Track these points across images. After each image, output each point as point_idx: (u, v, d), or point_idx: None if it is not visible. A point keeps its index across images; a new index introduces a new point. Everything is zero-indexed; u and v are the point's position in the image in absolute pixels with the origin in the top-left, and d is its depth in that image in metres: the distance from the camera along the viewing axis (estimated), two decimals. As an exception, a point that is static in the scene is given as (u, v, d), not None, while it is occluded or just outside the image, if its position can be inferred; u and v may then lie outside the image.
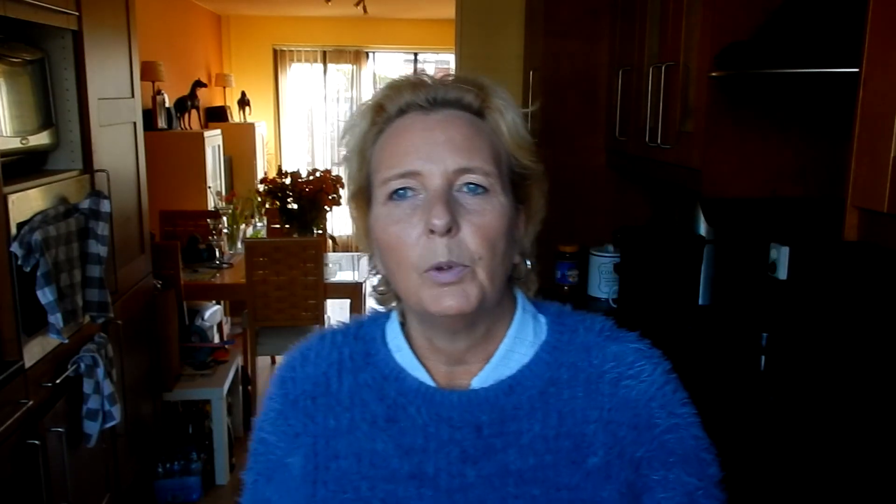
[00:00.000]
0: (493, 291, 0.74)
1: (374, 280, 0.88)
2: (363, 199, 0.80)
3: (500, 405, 0.77)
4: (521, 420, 0.77)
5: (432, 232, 0.70)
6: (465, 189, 0.73)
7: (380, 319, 0.87)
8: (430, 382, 0.80)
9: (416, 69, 7.80)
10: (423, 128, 0.74)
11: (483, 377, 0.79)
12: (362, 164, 0.79)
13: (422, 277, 0.72)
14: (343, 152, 0.81)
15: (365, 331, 0.86)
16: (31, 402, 1.99)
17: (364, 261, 0.85)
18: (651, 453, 0.77)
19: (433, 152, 0.73)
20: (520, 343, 0.80)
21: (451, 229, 0.70)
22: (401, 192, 0.74)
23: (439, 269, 0.71)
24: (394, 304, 0.85)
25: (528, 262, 0.83)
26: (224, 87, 7.01)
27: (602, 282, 2.56)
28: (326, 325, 0.94)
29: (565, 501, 0.75)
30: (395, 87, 0.77)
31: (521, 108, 0.80)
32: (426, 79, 0.77)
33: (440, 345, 0.79)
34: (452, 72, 0.82)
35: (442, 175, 0.72)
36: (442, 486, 0.76)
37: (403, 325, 0.83)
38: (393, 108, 0.77)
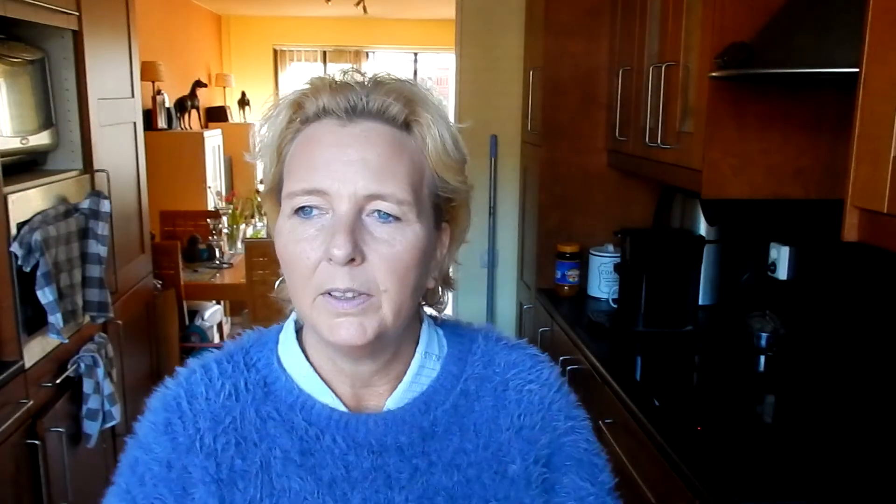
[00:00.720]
0: (396, 324, 0.69)
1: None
2: (275, 199, 0.74)
3: (417, 424, 0.74)
4: (440, 437, 0.75)
5: (331, 260, 0.66)
6: (375, 215, 0.67)
7: (267, 343, 0.79)
8: (341, 407, 0.74)
9: (415, 69, 7.80)
10: (337, 142, 0.67)
11: (397, 397, 0.75)
12: (276, 161, 0.72)
13: (318, 301, 0.68)
14: (258, 142, 0.74)
15: (254, 357, 0.78)
16: (31, 402, 1.99)
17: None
18: (553, 455, 0.77)
19: (344, 173, 0.66)
20: (429, 358, 0.77)
21: (353, 259, 0.65)
22: (307, 209, 0.68)
23: (336, 295, 0.66)
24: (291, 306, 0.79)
25: (441, 288, 0.79)
26: (224, 87, 7.01)
27: (602, 282, 2.56)
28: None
29: None
30: (314, 87, 0.70)
31: (454, 124, 0.73)
32: (350, 81, 0.69)
33: (344, 367, 0.74)
34: (387, 74, 0.72)
35: (350, 198, 0.66)
36: None
37: (299, 340, 0.77)
38: (310, 109, 0.70)
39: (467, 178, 0.75)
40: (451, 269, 0.79)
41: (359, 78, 0.70)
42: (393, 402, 0.75)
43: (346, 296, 0.66)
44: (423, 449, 0.74)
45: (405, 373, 0.76)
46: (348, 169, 0.66)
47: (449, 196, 0.73)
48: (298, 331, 0.79)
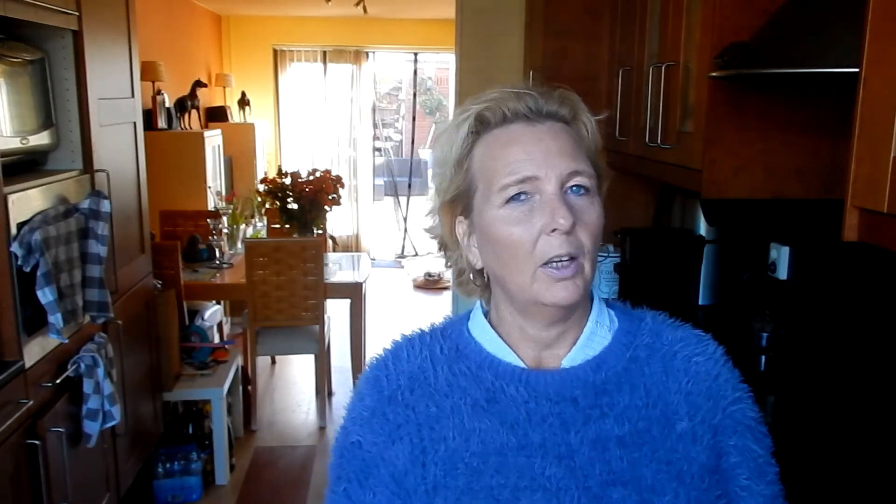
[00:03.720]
0: (591, 281, 0.85)
1: (448, 273, 0.94)
2: (460, 204, 0.88)
3: (590, 381, 0.86)
4: (611, 393, 0.86)
5: (554, 230, 0.80)
6: (570, 192, 0.82)
7: (461, 321, 0.95)
8: (522, 365, 0.88)
9: (415, 69, 7.80)
10: (534, 138, 0.83)
11: (572, 357, 0.88)
12: (459, 171, 0.87)
13: (538, 272, 0.82)
14: (432, 160, 0.90)
15: (450, 330, 0.94)
16: (31, 402, 1.99)
17: (447, 266, 1.00)
18: (723, 422, 0.87)
19: (547, 159, 0.82)
20: (600, 327, 0.90)
21: (574, 225, 0.80)
22: (520, 196, 0.82)
23: (555, 266, 0.81)
24: (476, 295, 0.94)
25: None
26: (224, 87, 7.01)
27: (602, 282, 2.56)
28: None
29: (664, 461, 0.84)
30: (497, 99, 0.85)
31: (597, 116, 0.90)
32: (526, 90, 0.85)
33: (532, 333, 0.88)
34: (532, 83, 0.92)
35: (557, 179, 0.81)
36: (550, 452, 0.83)
37: (487, 317, 0.92)
38: (495, 117, 0.85)
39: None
40: None
41: (525, 87, 0.87)
42: (568, 360, 0.88)
43: (563, 262, 0.81)
44: (596, 402, 0.86)
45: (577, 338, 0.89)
46: (548, 156, 0.82)
47: (603, 175, 0.89)
48: (485, 314, 0.93)
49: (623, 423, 0.85)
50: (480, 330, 0.92)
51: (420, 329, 0.97)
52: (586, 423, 0.84)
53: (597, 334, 0.90)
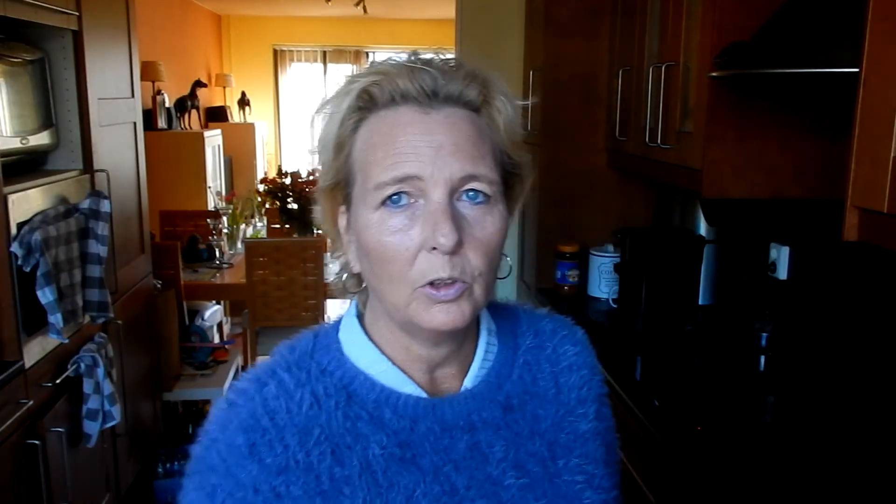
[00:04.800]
0: (484, 304, 0.71)
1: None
2: (340, 194, 0.72)
3: (495, 399, 0.77)
4: (516, 409, 0.78)
5: (434, 248, 0.65)
6: (465, 197, 0.67)
7: (330, 346, 0.76)
8: (423, 395, 0.74)
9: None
10: (424, 128, 0.66)
11: (472, 375, 0.77)
12: (339, 155, 0.71)
13: (416, 292, 0.67)
14: (315, 139, 0.73)
15: (323, 361, 0.75)
16: (31, 402, 1.99)
17: (332, 259, 0.80)
18: (600, 408, 0.85)
19: (437, 157, 0.65)
20: (491, 335, 0.81)
21: (459, 245, 0.65)
22: (395, 197, 0.66)
23: (436, 285, 0.66)
24: (354, 293, 0.78)
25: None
26: (224, 87, 7.01)
27: (602, 282, 2.56)
28: (254, 366, 0.85)
29: (578, 470, 0.79)
30: (386, 73, 0.68)
31: (520, 101, 0.75)
32: (425, 65, 0.68)
33: (421, 352, 0.74)
34: (450, 56, 0.72)
35: (446, 183, 0.65)
36: (477, 493, 0.73)
37: (363, 326, 0.77)
38: (383, 95, 0.68)
39: (526, 150, 0.77)
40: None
41: (427, 58, 0.70)
42: (469, 380, 0.77)
43: (445, 283, 0.66)
44: (506, 421, 0.77)
45: (473, 352, 0.78)
46: (439, 153, 0.66)
47: (516, 172, 0.75)
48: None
49: (535, 438, 0.78)
50: (363, 355, 0.75)
51: (279, 359, 0.75)
52: (505, 448, 0.75)
53: (490, 343, 0.80)
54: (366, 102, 0.69)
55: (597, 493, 0.79)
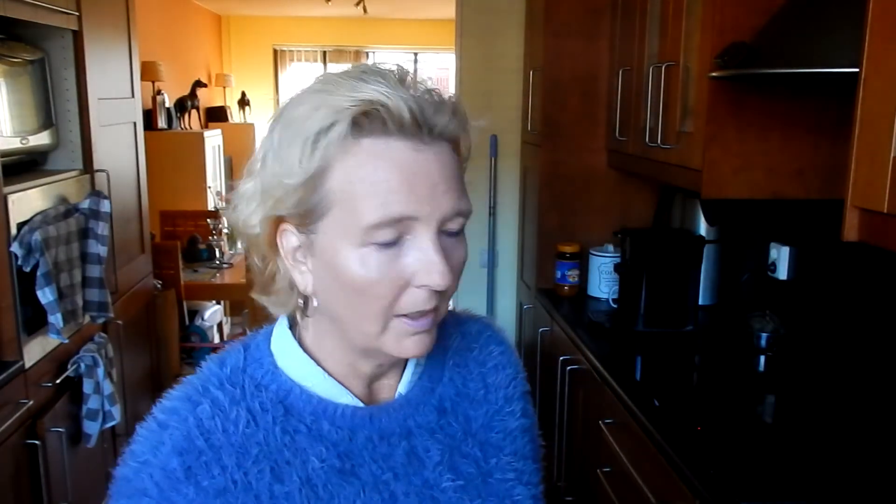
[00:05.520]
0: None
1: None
2: (298, 218, 0.67)
3: (429, 402, 0.79)
4: (450, 412, 0.80)
5: (424, 285, 0.65)
6: (450, 229, 0.67)
7: (263, 359, 0.74)
8: (360, 404, 0.74)
9: (415, 69, 7.79)
10: (419, 166, 0.64)
11: (406, 381, 0.78)
12: (309, 186, 0.64)
13: (392, 323, 0.66)
14: (271, 142, 0.68)
15: (257, 376, 0.72)
16: (31, 402, 1.99)
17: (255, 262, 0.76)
18: (525, 405, 0.87)
19: (433, 196, 0.64)
20: None
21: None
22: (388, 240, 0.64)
23: (412, 316, 0.66)
24: (286, 312, 0.75)
25: None
26: (224, 87, 7.01)
27: (602, 282, 2.56)
28: (181, 384, 0.78)
29: (509, 468, 0.81)
30: (376, 100, 0.63)
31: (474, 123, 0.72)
32: (413, 92, 0.65)
33: (367, 370, 0.73)
34: (433, 86, 0.69)
35: (438, 221, 0.64)
36: (416, 500, 0.74)
37: (296, 339, 0.75)
38: (372, 124, 0.63)
39: None
40: None
41: (423, 90, 0.67)
42: (404, 386, 0.78)
43: (424, 313, 0.67)
44: (440, 424, 0.78)
45: (405, 361, 0.78)
46: (434, 192, 0.64)
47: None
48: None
49: (468, 439, 0.79)
50: (298, 367, 0.73)
51: (205, 377, 0.72)
52: (441, 451, 0.76)
53: None
54: (353, 129, 0.63)
55: (527, 489, 0.82)
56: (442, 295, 0.68)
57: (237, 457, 0.68)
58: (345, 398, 0.73)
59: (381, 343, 0.68)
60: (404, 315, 0.66)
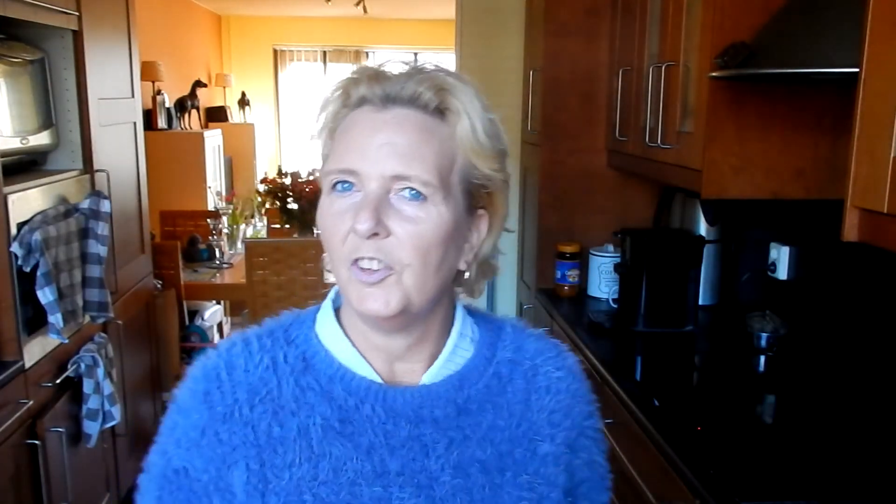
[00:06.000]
0: (422, 298, 0.73)
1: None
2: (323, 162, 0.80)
3: (452, 399, 0.79)
4: (473, 413, 0.79)
5: (351, 228, 0.71)
6: (404, 193, 0.71)
7: (305, 321, 0.82)
8: (378, 380, 0.78)
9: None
10: (370, 127, 0.73)
11: (433, 373, 0.79)
12: (328, 141, 0.79)
13: (349, 271, 0.73)
14: (317, 125, 0.80)
15: (293, 333, 0.81)
16: (31, 402, 1.99)
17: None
18: (578, 440, 0.84)
19: (373, 154, 0.71)
20: (462, 339, 0.82)
21: (377, 234, 0.70)
22: (342, 185, 0.73)
23: (363, 267, 0.71)
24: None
25: (477, 273, 0.81)
26: (224, 87, 7.01)
27: (602, 282, 2.56)
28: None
29: (526, 487, 0.79)
30: (355, 79, 0.75)
31: (492, 115, 0.77)
32: (386, 72, 0.74)
33: (377, 341, 0.78)
34: (432, 65, 0.77)
35: (378, 179, 0.71)
36: (409, 481, 0.76)
37: (338, 318, 0.81)
38: (354, 97, 0.75)
39: (503, 168, 0.78)
40: (493, 256, 0.83)
41: (400, 68, 0.75)
42: (429, 377, 0.79)
43: (371, 266, 0.71)
44: (458, 423, 0.78)
45: (438, 354, 0.80)
46: (378, 152, 0.71)
47: (482, 183, 0.76)
48: (337, 311, 0.82)
49: (486, 445, 0.78)
50: (330, 334, 0.80)
51: (258, 328, 0.83)
52: (448, 447, 0.77)
53: (460, 347, 0.81)
54: (347, 102, 0.76)
55: None
56: (388, 255, 0.71)
57: (248, 393, 0.77)
58: (364, 370, 0.78)
59: (349, 295, 0.74)
60: (354, 264, 0.72)
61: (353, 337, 0.79)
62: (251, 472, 0.75)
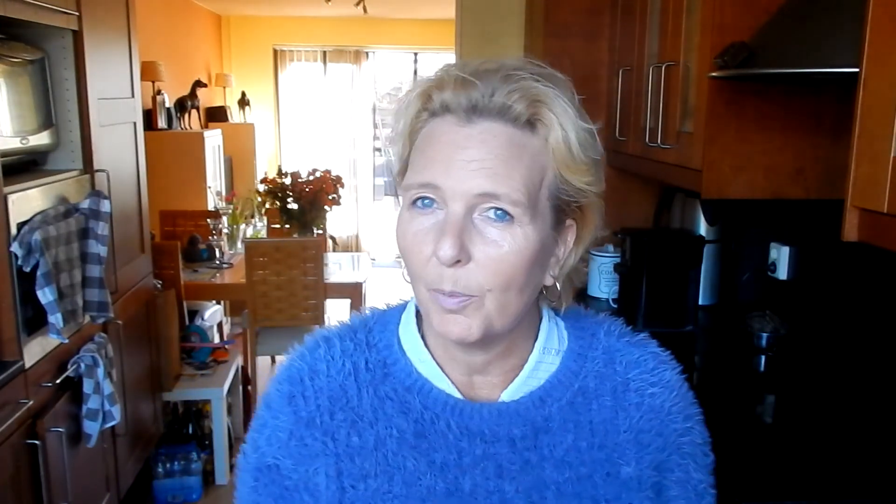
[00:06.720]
0: (503, 321, 0.70)
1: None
2: (402, 179, 0.75)
3: (531, 418, 0.75)
4: (553, 432, 0.75)
5: (433, 254, 0.68)
6: (489, 214, 0.67)
7: (389, 324, 0.80)
8: (456, 394, 0.76)
9: (415, 69, 7.79)
10: (455, 140, 0.67)
11: (513, 390, 0.76)
12: (406, 146, 0.73)
13: (430, 294, 0.69)
14: (390, 131, 0.76)
15: (377, 337, 0.80)
16: (31, 402, 1.99)
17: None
18: (670, 456, 0.78)
19: (458, 171, 0.66)
20: (547, 353, 0.78)
21: (459, 261, 0.66)
22: (423, 201, 0.69)
23: (445, 292, 0.68)
24: None
25: (562, 284, 0.77)
26: (224, 87, 7.01)
27: (602, 282, 2.56)
28: (325, 327, 0.89)
29: None
30: (440, 81, 0.70)
31: (589, 123, 0.72)
32: (474, 78, 0.68)
33: (456, 354, 0.75)
34: (521, 62, 0.70)
35: (463, 197, 0.66)
36: (481, 502, 0.74)
37: (419, 325, 0.79)
38: (435, 103, 0.70)
39: (598, 180, 0.74)
40: (580, 266, 0.78)
41: (490, 67, 0.69)
42: (508, 394, 0.76)
43: (453, 293, 0.68)
44: (536, 443, 0.75)
45: (521, 366, 0.76)
46: (464, 168, 0.66)
47: (573, 198, 0.72)
48: (419, 313, 0.79)
49: (563, 468, 0.74)
50: (411, 341, 0.78)
51: (342, 326, 0.82)
52: (524, 468, 0.74)
53: (543, 361, 0.77)
54: (428, 106, 0.71)
55: None
56: (468, 284, 0.67)
57: (329, 401, 0.77)
58: (442, 383, 0.76)
59: (429, 314, 0.71)
60: (434, 289, 0.69)
61: (433, 346, 0.77)
62: (329, 479, 0.75)
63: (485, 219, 0.67)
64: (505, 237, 0.67)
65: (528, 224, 0.67)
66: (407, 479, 0.74)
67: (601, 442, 0.76)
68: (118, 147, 2.74)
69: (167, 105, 5.05)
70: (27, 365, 2.01)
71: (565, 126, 0.69)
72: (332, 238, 6.03)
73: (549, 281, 0.74)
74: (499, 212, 0.67)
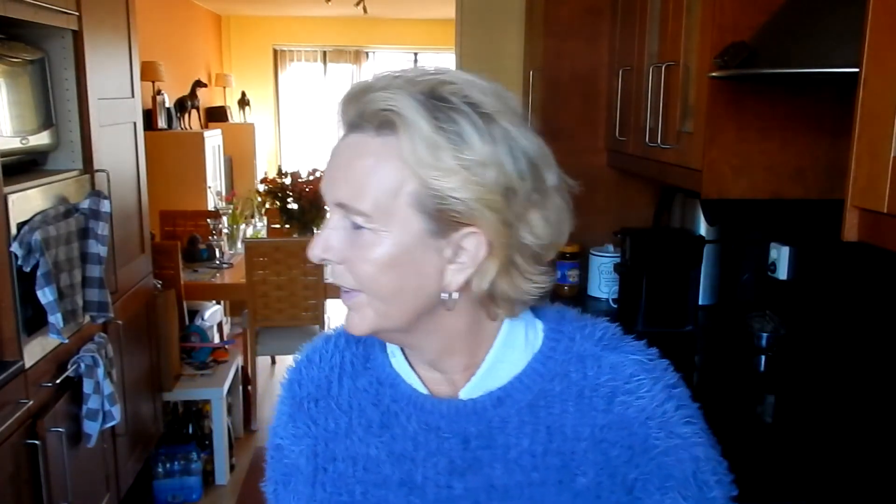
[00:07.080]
0: (386, 324, 0.72)
1: None
2: None
3: (487, 417, 0.75)
4: (508, 434, 0.74)
5: None
6: (351, 220, 0.70)
7: None
8: (422, 389, 0.79)
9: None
10: (333, 153, 0.73)
11: (472, 387, 0.76)
12: None
13: None
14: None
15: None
16: (31, 402, 1.99)
17: None
18: (646, 476, 0.72)
19: (325, 182, 0.73)
20: (510, 352, 0.75)
21: (330, 260, 0.73)
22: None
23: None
24: None
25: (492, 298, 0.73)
26: (224, 87, 7.01)
27: (602, 282, 2.56)
28: (328, 326, 0.95)
29: None
30: (342, 100, 0.74)
31: (442, 122, 0.67)
32: (355, 93, 0.70)
33: (412, 350, 0.81)
34: (396, 73, 0.71)
35: (331, 205, 0.72)
36: (429, 496, 0.76)
37: None
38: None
39: (476, 185, 0.67)
40: (531, 274, 0.74)
41: (369, 81, 0.72)
42: (466, 392, 0.77)
43: (343, 287, 0.74)
44: (489, 443, 0.75)
45: (479, 366, 0.77)
46: (329, 180, 0.72)
47: (447, 204, 0.67)
48: None
49: (515, 471, 0.73)
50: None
51: (340, 327, 0.84)
52: (473, 467, 0.74)
53: (505, 360, 0.75)
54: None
55: None
56: (346, 280, 0.72)
57: (316, 389, 0.85)
58: (410, 378, 0.80)
59: None
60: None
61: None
62: (308, 460, 0.83)
63: (354, 225, 0.70)
64: (363, 243, 0.70)
65: (383, 231, 0.68)
66: (368, 466, 0.79)
67: (558, 448, 0.73)
68: (118, 147, 2.74)
69: (167, 105, 5.05)
70: (27, 365, 2.01)
71: (411, 130, 0.66)
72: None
73: (452, 288, 0.70)
74: (355, 219, 0.70)
